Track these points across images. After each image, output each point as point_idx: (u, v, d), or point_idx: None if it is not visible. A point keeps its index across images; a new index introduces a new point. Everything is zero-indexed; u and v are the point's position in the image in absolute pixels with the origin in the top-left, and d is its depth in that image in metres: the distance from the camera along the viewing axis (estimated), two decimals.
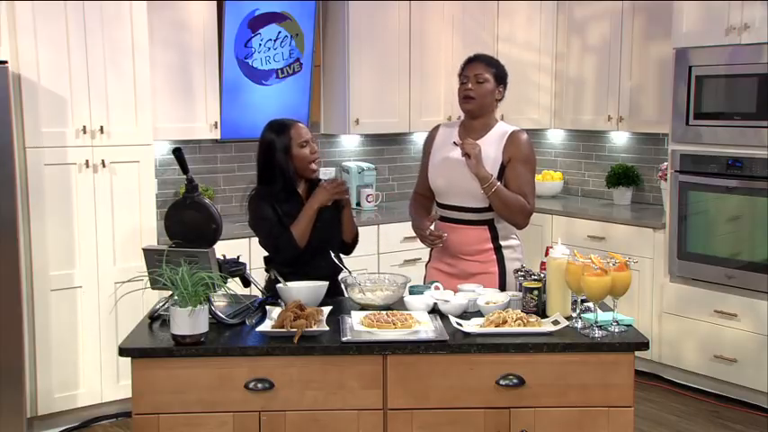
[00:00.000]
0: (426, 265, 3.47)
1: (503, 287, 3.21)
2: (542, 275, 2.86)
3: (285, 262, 3.15)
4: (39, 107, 3.98)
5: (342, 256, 3.23)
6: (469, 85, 3.21)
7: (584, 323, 2.68)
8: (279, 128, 3.20)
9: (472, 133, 3.26)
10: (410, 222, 3.43)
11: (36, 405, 4.10)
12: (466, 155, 3.11)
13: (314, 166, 3.22)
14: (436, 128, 3.43)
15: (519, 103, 5.89)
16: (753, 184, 4.39)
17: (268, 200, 3.17)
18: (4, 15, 3.87)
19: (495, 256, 3.27)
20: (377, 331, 2.61)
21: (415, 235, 3.35)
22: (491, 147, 3.21)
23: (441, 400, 2.57)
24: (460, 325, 2.66)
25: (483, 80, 3.21)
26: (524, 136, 3.25)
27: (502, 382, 2.57)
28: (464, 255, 3.27)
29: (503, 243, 3.29)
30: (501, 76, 3.27)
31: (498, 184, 3.14)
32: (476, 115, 3.26)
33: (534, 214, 5.60)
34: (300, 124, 3.24)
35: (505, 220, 3.26)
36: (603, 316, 2.72)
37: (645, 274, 4.90)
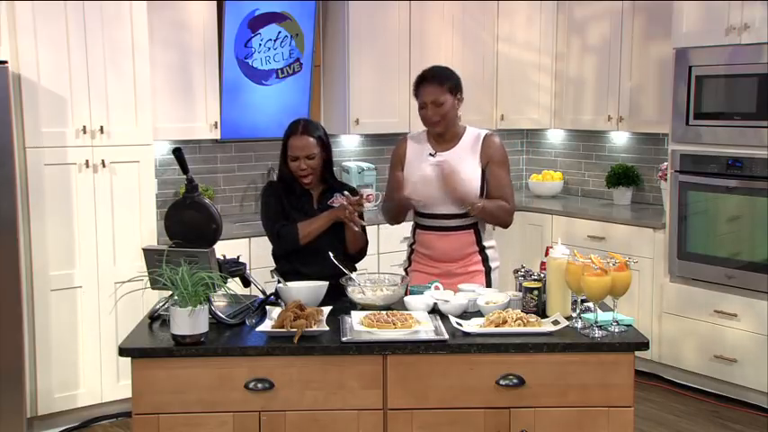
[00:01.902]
0: (406, 271, 3.46)
1: (488, 286, 3.31)
2: (542, 275, 2.86)
3: (281, 255, 3.24)
4: (39, 107, 3.98)
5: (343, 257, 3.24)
6: (430, 113, 3.22)
7: (584, 323, 2.68)
8: (287, 132, 3.30)
9: (444, 143, 3.32)
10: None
11: (36, 405, 4.10)
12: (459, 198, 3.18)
13: (304, 180, 3.26)
14: (404, 140, 3.42)
15: (519, 103, 5.90)
16: (753, 184, 4.39)
17: (276, 192, 3.28)
18: (4, 15, 3.87)
19: (480, 257, 3.35)
20: (377, 331, 2.61)
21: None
22: (467, 153, 3.28)
23: (441, 400, 2.57)
24: (460, 325, 2.66)
25: (441, 102, 3.20)
26: (497, 138, 3.34)
27: (502, 382, 2.57)
28: (451, 260, 3.33)
29: (486, 244, 3.37)
30: (456, 86, 3.25)
31: (482, 203, 3.21)
32: (446, 131, 3.29)
33: (534, 214, 5.66)
34: (301, 138, 3.23)
35: (494, 225, 3.38)
36: (603, 316, 2.72)
37: (645, 274, 4.89)
